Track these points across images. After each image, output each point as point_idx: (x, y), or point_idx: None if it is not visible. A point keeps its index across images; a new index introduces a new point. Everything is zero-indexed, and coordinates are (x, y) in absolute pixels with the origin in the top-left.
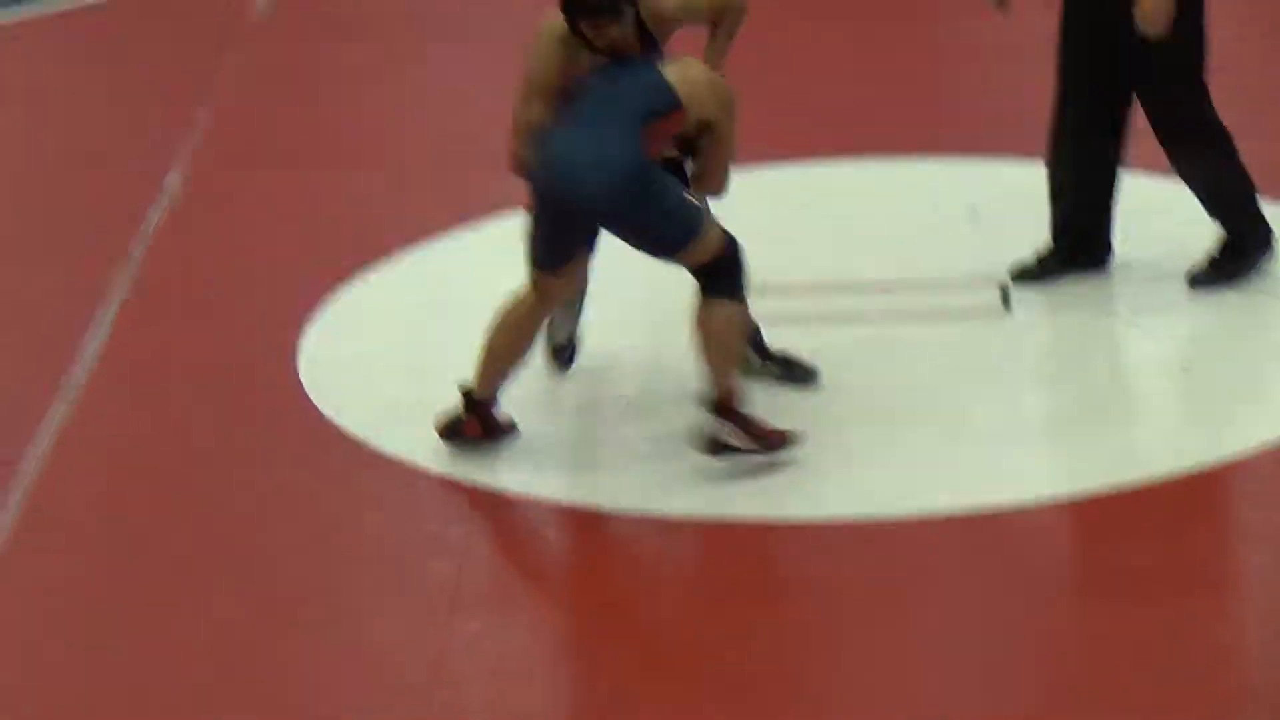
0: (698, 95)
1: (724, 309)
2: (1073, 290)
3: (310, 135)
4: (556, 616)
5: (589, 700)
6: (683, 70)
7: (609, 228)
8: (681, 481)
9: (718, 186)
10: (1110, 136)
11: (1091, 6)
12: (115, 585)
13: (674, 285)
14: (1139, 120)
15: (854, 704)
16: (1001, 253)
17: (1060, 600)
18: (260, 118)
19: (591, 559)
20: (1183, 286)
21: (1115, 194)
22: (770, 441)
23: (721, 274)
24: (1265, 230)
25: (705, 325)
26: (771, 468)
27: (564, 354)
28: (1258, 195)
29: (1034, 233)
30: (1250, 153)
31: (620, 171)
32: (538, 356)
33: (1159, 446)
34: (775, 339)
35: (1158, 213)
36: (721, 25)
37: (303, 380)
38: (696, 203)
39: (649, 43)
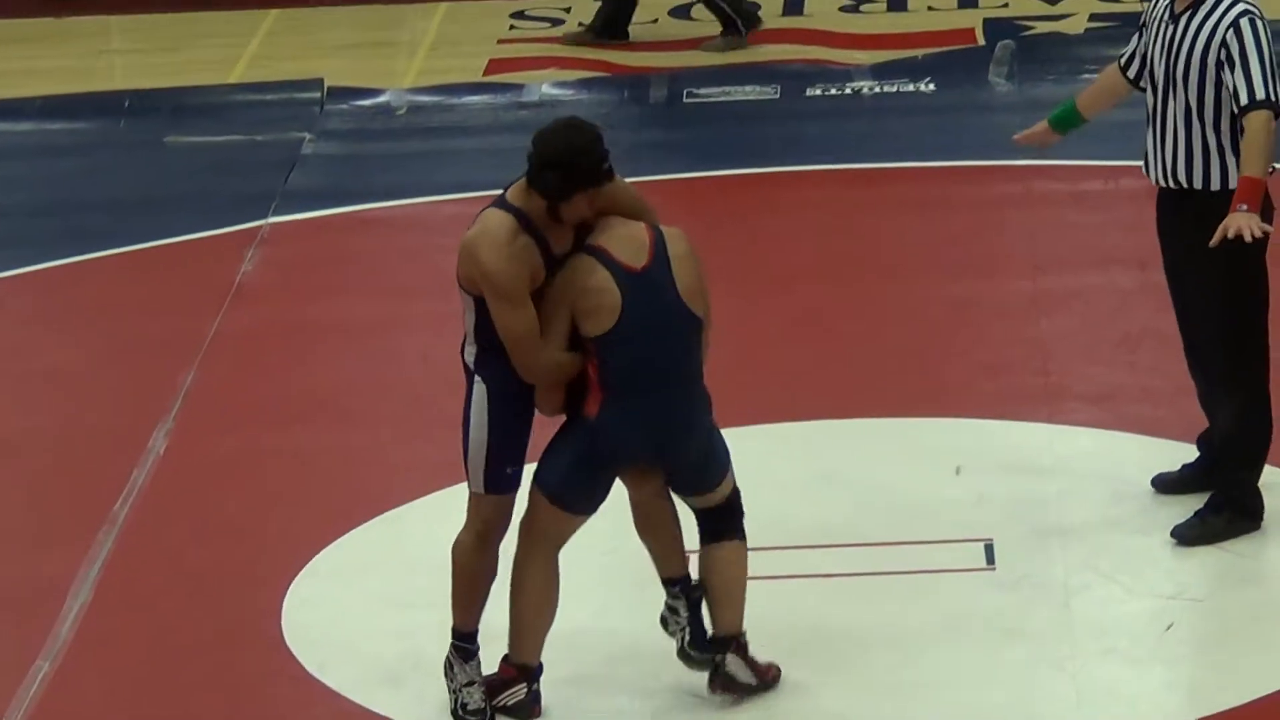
0: None
1: (741, 548)
2: (1060, 540)
3: (295, 394)
4: None
5: None
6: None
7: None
8: None
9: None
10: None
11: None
12: None
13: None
14: None
15: None
16: (986, 510)
17: None
18: (245, 377)
19: None
20: (1167, 540)
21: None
22: (771, 679)
23: (738, 510)
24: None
25: (729, 565)
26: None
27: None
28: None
29: (1020, 490)
30: None
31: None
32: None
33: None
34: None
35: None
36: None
37: (286, 637)
38: None
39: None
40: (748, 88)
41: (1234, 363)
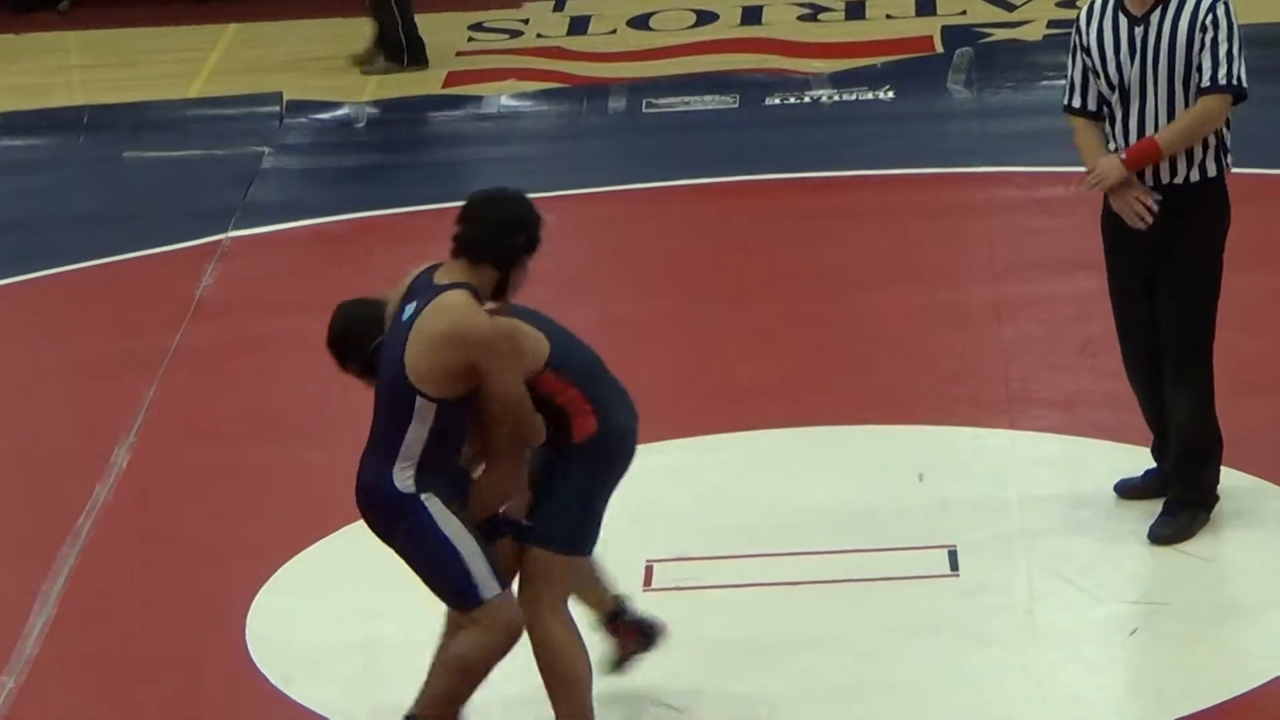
0: None
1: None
2: (1024, 546)
3: (256, 409)
4: None
5: None
6: None
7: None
8: None
9: None
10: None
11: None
12: None
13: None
14: None
15: None
16: (949, 516)
17: None
18: (206, 392)
19: None
20: (1139, 545)
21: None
22: None
23: None
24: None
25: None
26: None
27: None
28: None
29: (983, 496)
30: None
31: None
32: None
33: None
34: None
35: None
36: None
37: (250, 650)
38: None
39: None
40: (707, 97)
41: (1195, 358)
